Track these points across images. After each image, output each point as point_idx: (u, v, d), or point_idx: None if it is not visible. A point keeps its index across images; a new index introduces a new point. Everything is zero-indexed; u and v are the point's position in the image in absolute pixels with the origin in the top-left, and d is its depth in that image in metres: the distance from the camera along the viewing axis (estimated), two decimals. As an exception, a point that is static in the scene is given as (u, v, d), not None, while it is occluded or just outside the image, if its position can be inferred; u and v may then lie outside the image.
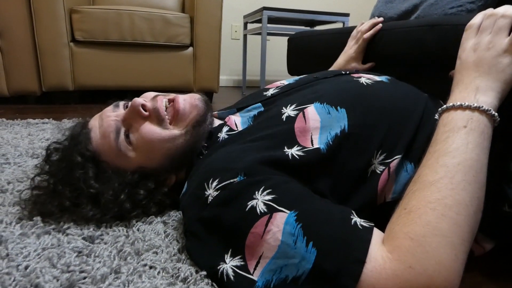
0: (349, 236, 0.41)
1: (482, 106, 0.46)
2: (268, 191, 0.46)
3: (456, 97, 0.49)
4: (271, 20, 2.37)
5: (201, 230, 0.50)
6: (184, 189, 0.58)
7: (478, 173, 0.43)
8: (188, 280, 0.47)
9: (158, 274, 0.49)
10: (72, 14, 1.82)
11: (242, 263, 0.44)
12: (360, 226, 0.42)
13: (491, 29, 0.52)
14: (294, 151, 0.52)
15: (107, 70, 1.92)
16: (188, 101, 0.64)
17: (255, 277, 0.43)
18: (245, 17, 2.67)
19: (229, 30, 3.09)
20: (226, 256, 0.46)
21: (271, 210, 0.44)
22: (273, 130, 0.56)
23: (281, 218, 0.43)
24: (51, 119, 1.46)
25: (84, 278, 0.47)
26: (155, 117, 0.62)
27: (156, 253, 0.54)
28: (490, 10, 0.53)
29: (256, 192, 0.46)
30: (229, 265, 0.45)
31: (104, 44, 1.89)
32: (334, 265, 0.39)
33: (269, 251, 0.43)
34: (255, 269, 0.43)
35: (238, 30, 3.11)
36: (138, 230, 0.60)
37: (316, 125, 0.55)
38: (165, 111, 0.63)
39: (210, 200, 0.49)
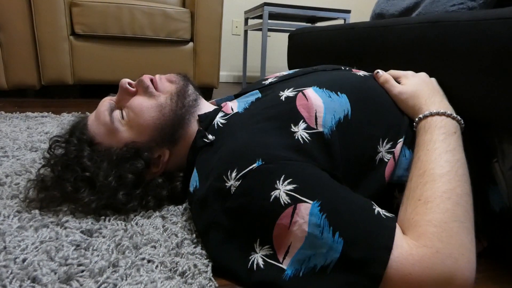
0: (374, 225, 0.43)
1: (457, 116, 0.55)
2: (288, 180, 0.47)
3: (435, 106, 0.57)
4: (272, 16, 2.36)
5: (228, 221, 0.50)
6: (196, 184, 0.58)
7: (467, 170, 0.49)
8: (186, 274, 0.48)
9: (156, 268, 0.49)
10: (72, 7, 1.81)
11: (271, 252, 0.46)
12: (383, 216, 0.44)
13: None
14: (301, 132, 0.53)
15: (107, 64, 1.92)
16: (164, 77, 0.67)
17: (284, 265, 0.44)
18: (246, 12, 2.66)
19: (229, 26, 3.08)
20: (255, 245, 0.47)
21: (294, 201, 0.45)
22: (275, 110, 0.57)
23: (306, 209, 0.44)
24: (50, 112, 1.46)
25: (82, 271, 0.47)
26: (142, 89, 0.65)
27: (155, 247, 0.54)
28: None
29: (277, 182, 0.47)
30: (259, 254, 0.46)
31: (104, 38, 1.88)
32: (361, 253, 0.41)
33: (297, 241, 0.44)
34: (284, 258, 0.45)
35: (238, 25, 3.10)
36: (136, 224, 0.60)
37: (319, 104, 0.56)
38: None
39: (233, 190, 0.49)
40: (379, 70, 0.66)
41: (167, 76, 0.67)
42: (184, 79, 0.68)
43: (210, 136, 0.62)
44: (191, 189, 0.59)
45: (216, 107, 0.71)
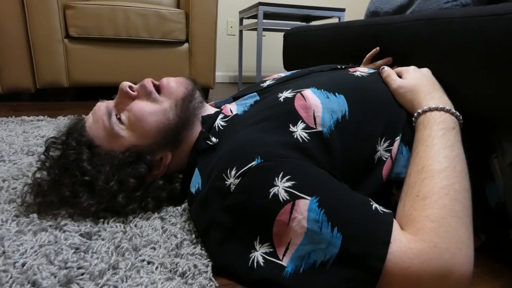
0: (372, 220, 0.43)
1: (456, 112, 0.55)
2: (287, 177, 0.47)
3: (434, 102, 0.57)
4: (267, 16, 2.36)
5: (227, 219, 0.50)
6: (198, 185, 0.58)
7: (465, 166, 0.49)
8: (186, 275, 0.48)
9: (156, 269, 0.49)
10: (66, 10, 1.80)
11: (271, 249, 0.46)
12: (381, 211, 0.45)
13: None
14: (300, 131, 0.54)
15: (102, 66, 1.91)
16: (172, 80, 0.66)
17: (284, 262, 0.45)
18: (240, 12, 2.66)
19: (224, 26, 3.08)
20: (255, 243, 0.47)
21: (293, 197, 0.45)
22: (273, 111, 0.58)
23: (304, 205, 0.45)
24: (46, 116, 1.45)
25: (82, 274, 0.47)
26: (144, 94, 0.64)
27: (154, 248, 0.54)
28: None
29: (276, 179, 0.47)
30: (259, 252, 0.47)
31: (98, 40, 1.87)
32: (360, 248, 0.41)
33: (297, 238, 0.44)
34: (284, 255, 0.45)
35: (233, 25, 3.10)
36: (135, 226, 0.60)
37: (317, 104, 0.56)
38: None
39: (232, 188, 0.50)
40: (384, 66, 0.67)
41: (175, 79, 0.67)
42: (193, 83, 0.68)
43: (213, 139, 0.62)
44: (193, 190, 0.59)
45: (217, 109, 0.71)
